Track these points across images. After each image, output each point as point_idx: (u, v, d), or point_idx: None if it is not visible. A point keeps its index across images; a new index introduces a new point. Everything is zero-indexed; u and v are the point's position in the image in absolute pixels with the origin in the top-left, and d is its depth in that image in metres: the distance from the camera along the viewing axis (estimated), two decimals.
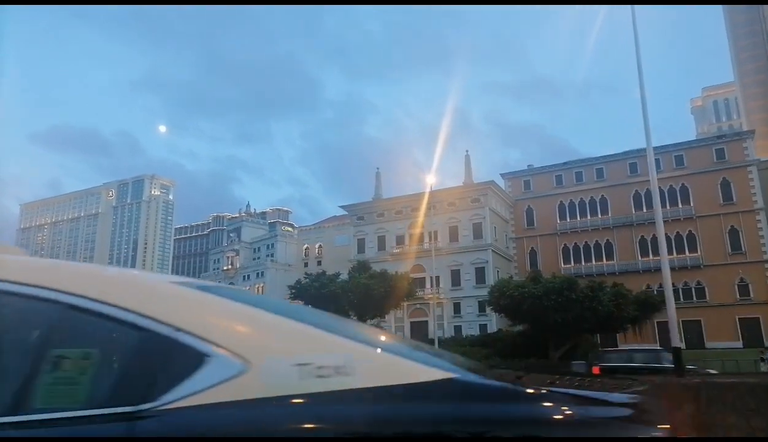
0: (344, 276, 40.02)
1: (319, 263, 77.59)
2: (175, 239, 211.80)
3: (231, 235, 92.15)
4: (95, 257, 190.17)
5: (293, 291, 39.34)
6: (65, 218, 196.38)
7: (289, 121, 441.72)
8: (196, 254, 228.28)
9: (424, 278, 59.86)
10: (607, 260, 59.94)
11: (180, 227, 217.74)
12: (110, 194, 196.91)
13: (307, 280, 39.94)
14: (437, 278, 60.68)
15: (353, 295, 35.64)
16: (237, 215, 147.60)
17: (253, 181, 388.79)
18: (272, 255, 79.34)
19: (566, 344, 33.44)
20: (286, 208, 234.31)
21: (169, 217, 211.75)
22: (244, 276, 78.94)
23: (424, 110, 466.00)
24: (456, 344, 39.27)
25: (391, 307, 39.44)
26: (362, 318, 38.98)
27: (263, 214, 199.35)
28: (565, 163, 64.22)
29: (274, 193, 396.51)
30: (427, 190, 64.53)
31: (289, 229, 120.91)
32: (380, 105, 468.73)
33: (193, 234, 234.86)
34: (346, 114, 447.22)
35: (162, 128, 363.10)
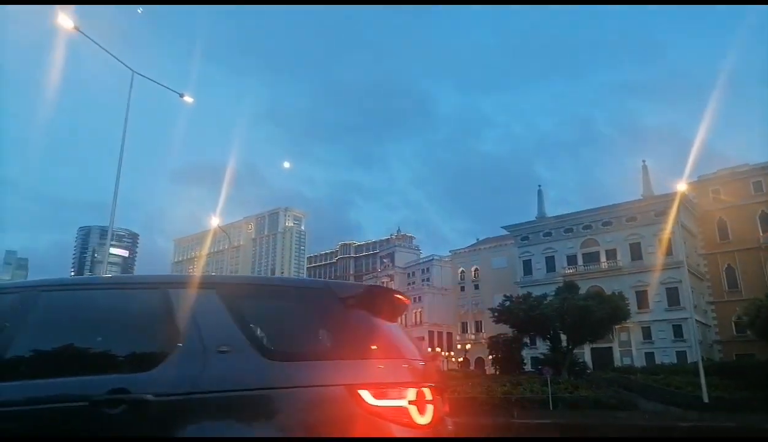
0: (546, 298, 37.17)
1: (476, 286, 75.19)
2: (307, 267, 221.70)
3: (384, 260, 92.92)
4: None
5: (496, 314, 37.36)
6: (212, 251, 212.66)
7: (402, 142, 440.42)
8: None
9: None
10: None
11: (309, 256, 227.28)
12: (250, 227, 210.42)
13: (508, 302, 37.76)
14: None
15: (569, 317, 32.77)
16: (387, 239, 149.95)
17: (369, 205, 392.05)
18: (428, 279, 78.46)
19: None
20: (409, 234, 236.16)
21: (302, 247, 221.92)
22: None
23: (543, 120, 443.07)
24: (682, 372, 34.68)
25: (607, 331, 35.96)
26: (576, 343, 35.95)
27: (388, 241, 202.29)
28: (764, 167, 56.69)
29: (390, 216, 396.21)
30: (602, 204, 60.25)
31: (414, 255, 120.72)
32: (497, 119, 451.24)
33: (322, 263, 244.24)
34: (461, 130, 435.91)
35: (286, 164, 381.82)
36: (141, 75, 17.10)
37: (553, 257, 62.71)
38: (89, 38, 14.91)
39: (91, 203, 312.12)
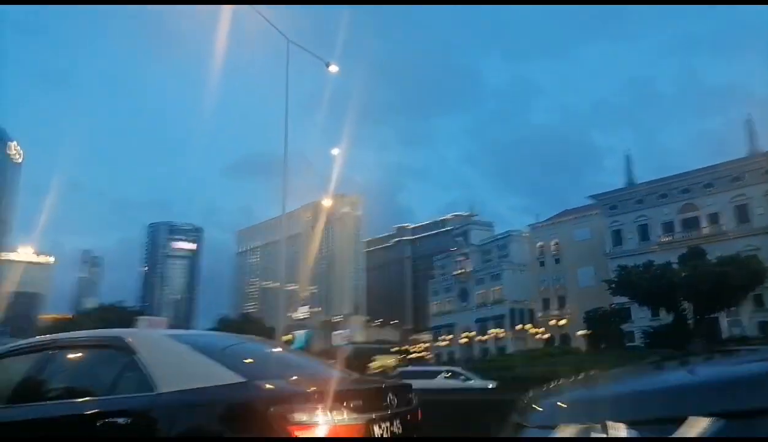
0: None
1: (557, 260, 72.09)
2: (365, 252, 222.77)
3: (457, 239, 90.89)
4: (299, 274, 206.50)
5: (613, 286, 35.03)
6: (272, 241, 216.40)
7: (450, 118, 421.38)
8: (385, 265, 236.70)
9: None
10: None
11: (365, 241, 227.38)
12: (309, 215, 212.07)
13: (623, 272, 35.20)
14: None
15: (703, 286, 29.99)
16: (443, 219, 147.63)
17: (420, 186, 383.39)
18: (506, 256, 75.82)
19: None
20: (469, 214, 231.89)
21: (359, 232, 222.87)
22: (477, 280, 76.49)
23: (597, 86, 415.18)
24: None
25: (744, 299, 33.00)
26: (712, 312, 33.28)
27: (443, 221, 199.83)
28: None
29: (443, 196, 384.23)
30: (698, 166, 56.23)
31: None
32: (548, 87, 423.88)
33: (379, 246, 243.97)
34: (511, 102, 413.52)
35: (334, 150, 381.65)
36: (297, 45, 15.95)
37: (646, 225, 59.06)
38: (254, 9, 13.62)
39: (151, 201, 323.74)
